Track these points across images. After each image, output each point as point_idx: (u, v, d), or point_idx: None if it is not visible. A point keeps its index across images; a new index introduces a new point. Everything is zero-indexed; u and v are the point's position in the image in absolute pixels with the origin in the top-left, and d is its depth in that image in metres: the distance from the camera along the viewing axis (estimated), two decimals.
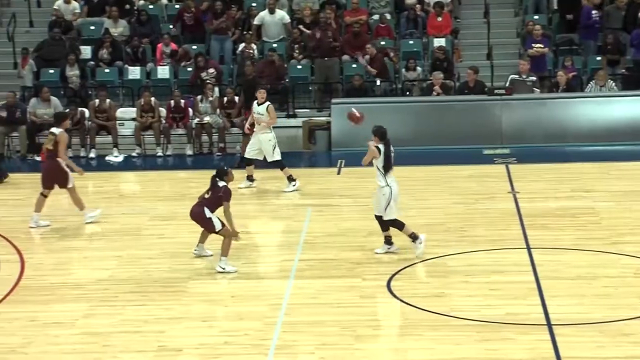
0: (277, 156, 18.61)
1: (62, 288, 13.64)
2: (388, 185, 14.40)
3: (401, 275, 13.82)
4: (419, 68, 23.64)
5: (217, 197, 14.05)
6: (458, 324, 11.97)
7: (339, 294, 13.15)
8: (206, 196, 14.27)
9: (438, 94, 22.52)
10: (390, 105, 22.27)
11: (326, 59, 23.77)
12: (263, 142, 18.53)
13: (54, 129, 16.45)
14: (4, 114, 21.78)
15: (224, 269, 14.03)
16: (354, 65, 23.82)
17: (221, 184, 14.16)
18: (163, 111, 22.30)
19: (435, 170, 19.85)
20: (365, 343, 11.55)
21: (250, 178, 18.77)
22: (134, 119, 22.34)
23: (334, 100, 22.74)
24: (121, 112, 22.65)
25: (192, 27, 24.91)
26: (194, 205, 14.43)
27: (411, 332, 11.86)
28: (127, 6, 25.61)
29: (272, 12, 24.78)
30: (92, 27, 25.21)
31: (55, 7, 25.37)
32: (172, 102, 22.37)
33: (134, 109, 22.45)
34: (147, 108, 22.13)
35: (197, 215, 14.28)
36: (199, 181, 19.01)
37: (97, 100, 22.43)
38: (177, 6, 25.87)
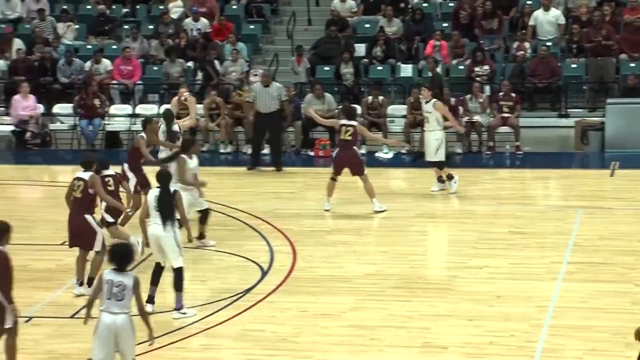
0: (439, 157, 18.11)
1: (331, 280, 13.88)
2: None
3: None
4: None
5: None
6: None
7: (609, 299, 12.76)
8: None
9: None
10: None
11: (599, 58, 23.12)
12: (429, 141, 18.16)
13: (352, 122, 16.88)
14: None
15: None
16: (632, 65, 23.05)
17: None
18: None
19: None
20: (637, 351, 11.14)
21: (441, 179, 18.28)
22: (404, 116, 22.48)
23: (608, 100, 22.11)
24: (391, 109, 22.86)
25: (466, 25, 24.80)
26: None
27: None
28: (402, 4, 25.81)
29: (546, 9, 24.35)
30: (367, 25, 25.56)
31: (332, 6, 25.89)
32: None
33: (404, 107, 22.59)
34: (416, 105, 22.20)
35: None
36: (468, 179, 18.95)
37: (369, 97, 22.72)
38: (451, 4, 25.85)
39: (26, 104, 22.36)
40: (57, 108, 23.40)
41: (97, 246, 13.19)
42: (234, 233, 16.07)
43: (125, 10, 26.82)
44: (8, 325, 10.47)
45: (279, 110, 20.65)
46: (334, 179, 17.05)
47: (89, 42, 25.69)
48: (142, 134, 15.93)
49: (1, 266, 10.45)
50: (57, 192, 18.34)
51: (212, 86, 23.18)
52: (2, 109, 24.04)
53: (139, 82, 24.06)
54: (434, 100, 18.14)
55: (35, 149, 21.82)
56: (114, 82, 24.06)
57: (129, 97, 24.02)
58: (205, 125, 22.29)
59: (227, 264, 14.71)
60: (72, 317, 12.36)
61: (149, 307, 11.88)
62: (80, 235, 13.21)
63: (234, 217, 16.56)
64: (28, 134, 21.78)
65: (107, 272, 9.95)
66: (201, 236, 15.27)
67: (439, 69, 22.94)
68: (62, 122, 23.22)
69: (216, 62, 24.10)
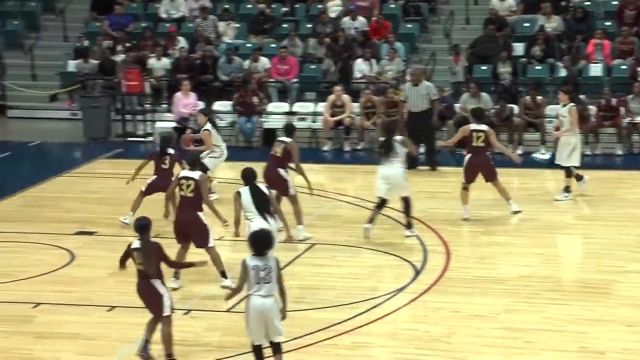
0: (572, 162, 17.46)
1: (485, 281, 13.70)
2: None
3: None
4: None
5: None
6: None
7: None
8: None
9: None
10: None
11: None
12: (563, 144, 17.53)
13: (482, 127, 16.51)
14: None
15: None
16: None
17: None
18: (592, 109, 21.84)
19: None
20: None
21: (568, 189, 17.64)
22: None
23: None
24: (550, 109, 22.43)
25: (631, 24, 24.16)
26: None
27: None
28: (563, 3, 25.33)
29: None
30: (526, 24, 25.18)
31: (490, 5, 25.60)
32: (603, 100, 21.84)
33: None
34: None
35: None
36: (629, 182, 18.45)
37: (527, 97, 22.35)
38: (614, 2, 25.23)
39: (187, 101, 22.76)
40: (217, 105, 23.77)
41: (211, 242, 13.36)
42: (389, 232, 16.01)
43: (284, 9, 27.08)
44: (166, 313, 10.92)
45: (430, 109, 20.48)
46: (466, 189, 16.63)
47: (248, 40, 26.04)
48: (287, 138, 15.81)
49: (157, 257, 10.90)
50: (216, 188, 18.66)
51: (368, 84, 23.19)
52: (164, 105, 24.57)
53: (296, 80, 24.25)
54: (571, 104, 17.70)
55: (195, 145, 22.18)
56: (272, 80, 24.31)
57: (286, 95, 24.25)
58: (361, 123, 22.32)
59: (381, 262, 14.68)
60: (227, 310, 12.50)
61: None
62: (192, 232, 13.33)
63: (388, 216, 16.50)
64: (188, 131, 22.13)
65: (250, 259, 10.28)
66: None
67: (598, 69, 22.38)
68: (221, 119, 23.55)
69: (359, 61, 24.03)
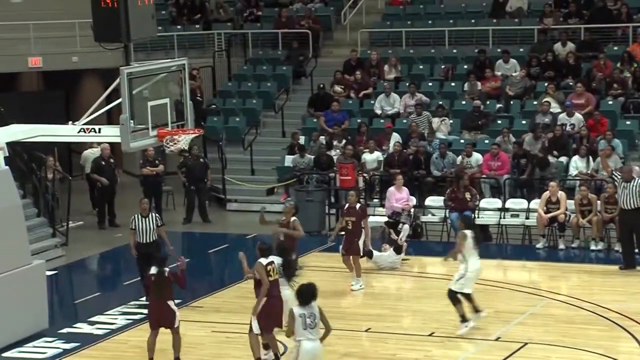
0: None
1: None
2: None
3: None
4: None
5: None
6: None
7: None
8: None
9: None
10: None
11: None
12: None
13: None
14: None
15: None
16: None
17: None
18: None
19: None
20: None
21: None
22: None
23: None
24: None
25: None
26: None
27: None
28: None
29: None
30: None
31: None
32: None
33: None
34: None
35: None
36: None
37: None
38: None
39: (400, 196, 22.81)
40: (429, 200, 23.73)
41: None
42: (605, 333, 15.47)
43: (499, 105, 26.94)
44: (176, 325, 14.49)
45: None
46: None
47: (462, 136, 25.99)
48: None
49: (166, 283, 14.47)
50: (427, 283, 18.56)
51: (583, 181, 22.69)
52: (376, 200, 24.69)
53: (508, 176, 23.97)
54: None
55: (407, 240, 22.13)
56: (484, 176, 24.12)
57: (499, 192, 23.97)
58: (576, 221, 21.77)
59: None
60: None
61: None
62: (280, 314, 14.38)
63: (604, 317, 15.96)
64: (400, 225, 22.12)
65: (296, 308, 12.26)
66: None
67: None
68: (433, 215, 23.50)
69: (575, 158, 23.53)
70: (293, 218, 17.83)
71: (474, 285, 15.77)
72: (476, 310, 15.75)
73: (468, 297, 15.67)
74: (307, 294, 12.25)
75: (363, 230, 18.80)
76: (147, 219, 17.93)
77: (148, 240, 17.79)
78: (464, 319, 15.62)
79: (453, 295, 15.60)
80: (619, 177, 20.18)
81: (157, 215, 18.39)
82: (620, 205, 19.99)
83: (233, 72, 30.48)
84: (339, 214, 19.83)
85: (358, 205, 19.08)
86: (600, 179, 22.98)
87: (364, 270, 18.93)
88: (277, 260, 14.47)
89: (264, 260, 14.33)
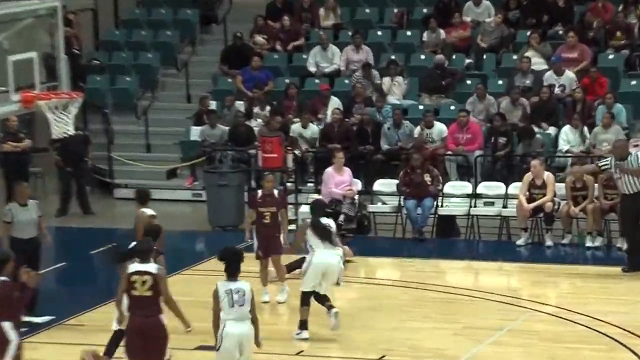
0: None
1: None
2: None
3: None
4: None
5: None
6: None
7: None
8: None
9: None
10: None
11: None
12: None
13: None
14: None
15: None
16: None
17: None
18: None
19: None
20: None
21: None
22: None
23: None
24: None
25: None
26: None
27: None
28: None
29: None
30: None
31: None
32: None
33: None
34: None
35: None
36: None
37: None
38: None
39: (340, 179, 22.88)
40: (379, 184, 23.83)
41: None
42: (602, 354, 15.73)
43: (468, 60, 27.07)
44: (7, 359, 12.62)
45: None
46: None
47: (421, 101, 26.12)
48: None
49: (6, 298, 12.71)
50: (375, 292, 18.65)
51: (577, 158, 22.95)
52: (310, 184, 24.75)
53: (480, 152, 24.12)
54: None
55: (350, 235, 22.19)
56: (449, 152, 24.27)
57: (469, 173, 24.13)
58: (567, 210, 21.97)
59: None
60: None
61: None
62: None
63: (602, 333, 16.23)
64: (341, 217, 22.20)
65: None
66: None
67: None
68: (384, 203, 23.60)
69: (565, 129, 23.82)
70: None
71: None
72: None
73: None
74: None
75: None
76: (26, 207, 17.88)
77: (29, 235, 17.74)
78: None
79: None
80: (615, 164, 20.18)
81: (36, 202, 18.30)
82: (620, 190, 20.19)
83: (121, 16, 30.34)
84: (250, 204, 19.75)
85: (276, 192, 19.02)
86: (598, 155, 23.21)
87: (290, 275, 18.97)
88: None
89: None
